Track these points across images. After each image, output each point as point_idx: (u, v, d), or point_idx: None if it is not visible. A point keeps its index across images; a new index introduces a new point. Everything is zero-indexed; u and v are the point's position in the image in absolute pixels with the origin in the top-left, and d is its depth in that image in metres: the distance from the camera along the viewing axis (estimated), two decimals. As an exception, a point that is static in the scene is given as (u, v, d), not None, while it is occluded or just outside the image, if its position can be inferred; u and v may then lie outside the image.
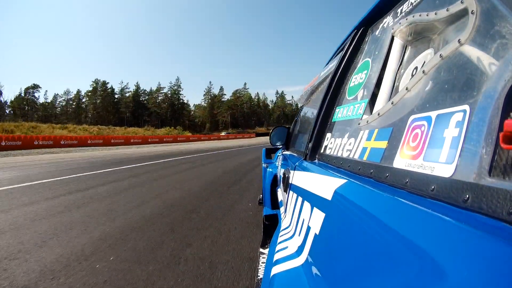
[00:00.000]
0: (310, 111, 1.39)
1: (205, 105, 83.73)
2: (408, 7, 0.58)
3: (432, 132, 0.35)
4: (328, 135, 0.80)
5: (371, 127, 0.54)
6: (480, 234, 0.22)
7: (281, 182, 1.27)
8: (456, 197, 0.27)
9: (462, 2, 0.38)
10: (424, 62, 0.45)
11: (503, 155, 0.24)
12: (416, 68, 0.49)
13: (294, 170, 0.93)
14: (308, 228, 0.55)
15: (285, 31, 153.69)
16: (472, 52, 0.34)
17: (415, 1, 0.56)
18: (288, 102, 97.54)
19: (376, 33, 0.74)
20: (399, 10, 0.62)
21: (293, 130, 1.84)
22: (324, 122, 0.87)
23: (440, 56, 0.40)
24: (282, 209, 1.14)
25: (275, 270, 0.57)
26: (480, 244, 0.21)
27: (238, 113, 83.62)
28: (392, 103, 0.50)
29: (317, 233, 0.49)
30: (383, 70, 0.61)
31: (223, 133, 38.20)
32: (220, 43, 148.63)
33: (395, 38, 0.60)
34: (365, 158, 0.51)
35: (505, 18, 0.30)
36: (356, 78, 0.74)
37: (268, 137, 2.35)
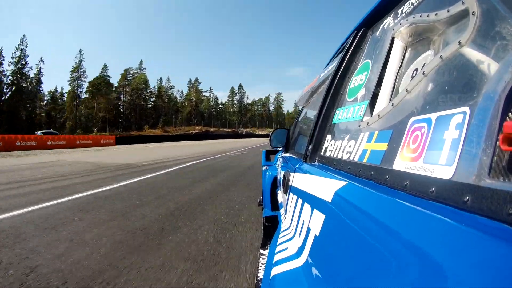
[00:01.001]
0: (310, 113, 1.39)
1: (75, 92, 51.32)
2: (408, 8, 0.58)
3: (432, 134, 0.35)
4: (328, 137, 0.80)
5: (371, 129, 0.54)
6: (480, 236, 0.22)
7: (281, 184, 1.27)
8: (456, 198, 0.27)
9: (462, 3, 0.38)
10: (424, 63, 0.45)
11: (502, 157, 0.24)
12: (416, 69, 0.49)
13: (294, 172, 0.93)
14: (308, 230, 0.55)
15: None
16: (473, 53, 0.34)
17: (415, 2, 0.56)
18: (204, 95, 68.96)
19: (377, 34, 0.75)
20: (399, 11, 0.62)
21: (293, 132, 1.84)
22: (324, 124, 0.86)
23: (441, 57, 0.40)
24: (282, 211, 1.13)
25: (275, 271, 0.56)
26: (480, 245, 0.21)
27: (127, 106, 55.79)
28: (392, 105, 0.50)
29: (317, 235, 0.49)
30: (383, 72, 0.61)
31: (39, 133, 23.24)
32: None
33: (395, 39, 0.61)
34: (365, 160, 0.51)
35: (505, 19, 0.30)
36: (356, 80, 0.74)
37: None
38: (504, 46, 0.29)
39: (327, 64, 1.32)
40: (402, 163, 0.39)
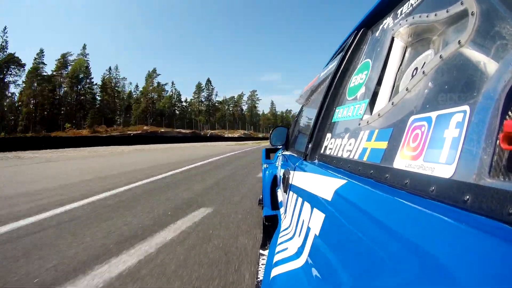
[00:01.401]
0: (310, 111, 1.39)
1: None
2: (408, 9, 0.58)
3: (432, 132, 0.35)
4: (328, 135, 0.80)
5: (371, 128, 0.54)
6: (480, 235, 0.22)
7: (281, 182, 1.27)
8: (456, 197, 0.27)
9: (462, 4, 0.38)
10: (424, 63, 0.46)
11: (502, 156, 0.24)
12: (416, 69, 0.49)
13: (294, 170, 0.93)
14: (308, 229, 0.55)
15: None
16: (472, 53, 0.34)
17: (415, 3, 0.56)
18: (166, 89, 57.06)
19: (377, 34, 0.75)
20: (399, 12, 0.63)
21: (293, 131, 1.84)
22: (324, 122, 0.87)
23: (440, 57, 0.40)
24: (282, 210, 1.13)
25: (275, 272, 0.56)
26: (480, 245, 0.21)
27: (63, 100, 43.42)
28: (392, 104, 0.50)
29: (317, 234, 0.49)
30: (384, 71, 0.61)
31: None
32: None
33: (395, 39, 0.61)
34: (365, 158, 0.51)
35: (504, 19, 0.30)
36: (356, 79, 0.74)
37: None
38: (504, 46, 0.29)
39: (327, 64, 1.32)
40: (402, 161, 0.39)
